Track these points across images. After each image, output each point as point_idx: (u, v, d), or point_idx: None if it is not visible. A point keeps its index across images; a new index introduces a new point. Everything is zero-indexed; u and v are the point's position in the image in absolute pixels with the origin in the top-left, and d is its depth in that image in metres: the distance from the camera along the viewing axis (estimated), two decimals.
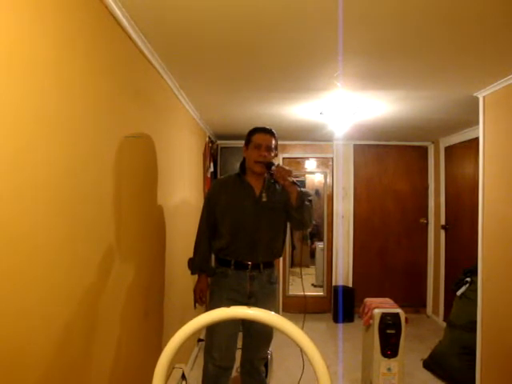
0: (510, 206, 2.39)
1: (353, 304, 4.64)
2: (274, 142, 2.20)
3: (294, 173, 5.31)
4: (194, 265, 2.33)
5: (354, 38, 1.83)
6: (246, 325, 2.26)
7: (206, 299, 2.32)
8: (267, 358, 2.73)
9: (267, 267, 2.22)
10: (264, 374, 2.44)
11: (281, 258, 2.42)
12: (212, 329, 2.18)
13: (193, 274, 2.35)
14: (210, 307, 2.25)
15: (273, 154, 2.20)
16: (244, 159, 2.28)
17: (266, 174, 2.22)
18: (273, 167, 2.12)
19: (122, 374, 1.74)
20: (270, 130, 2.22)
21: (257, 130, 2.22)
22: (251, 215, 2.18)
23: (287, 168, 2.15)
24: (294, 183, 2.10)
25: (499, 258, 2.50)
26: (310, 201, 2.18)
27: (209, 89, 2.76)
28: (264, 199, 2.18)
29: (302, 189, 2.16)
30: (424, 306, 4.98)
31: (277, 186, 2.23)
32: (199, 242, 2.33)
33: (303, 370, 2.27)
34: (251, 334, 2.26)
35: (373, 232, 5.00)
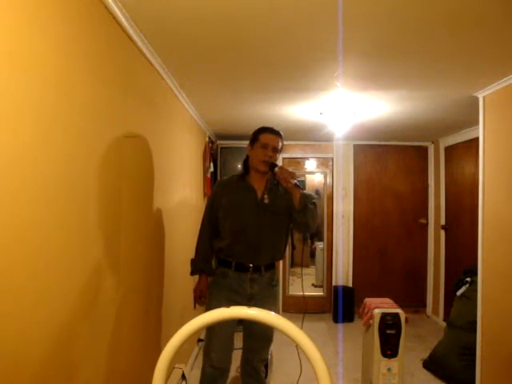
0: (510, 205, 2.39)
1: (353, 304, 4.64)
2: (280, 143, 2.20)
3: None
4: (194, 265, 2.33)
5: (354, 39, 1.83)
6: (247, 326, 2.25)
7: (205, 299, 2.31)
8: (267, 358, 2.72)
9: (268, 269, 2.20)
10: (264, 375, 2.44)
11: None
12: (210, 330, 2.18)
13: (192, 274, 2.34)
14: (209, 307, 2.24)
15: (277, 156, 2.20)
16: (247, 157, 2.26)
17: (269, 175, 2.20)
18: (276, 168, 2.11)
19: (122, 374, 1.74)
20: (278, 132, 2.21)
21: (265, 130, 2.20)
22: (253, 217, 2.16)
23: (290, 170, 2.14)
24: (296, 186, 2.08)
25: (499, 257, 2.50)
26: (315, 204, 2.16)
27: (209, 89, 2.75)
28: (266, 201, 2.16)
29: (306, 191, 2.14)
30: (424, 306, 4.98)
31: (280, 188, 2.19)
32: (200, 243, 2.33)
33: (301, 371, 2.26)
34: (252, 336, 2.25)
35: (373, 232, 5.00)
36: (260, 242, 2.15)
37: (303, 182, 5.43)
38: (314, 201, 2.16)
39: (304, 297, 2.73)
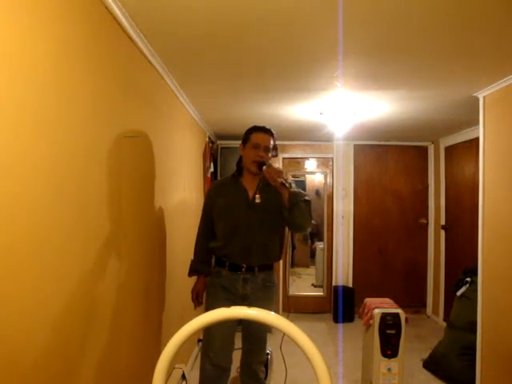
0: (511, 205, 2.39)
1: (353, 304, 4.64)
2: (272, 142, 2.16)
3: (294, 173, 5.27)
4: (191, 266, 2.34)
5: (355, 39, 1.82)
6: (245, 327, 2.25)
7: (201, 300, 2.32)
8: (266, 359, 2.72)
9: (262, 270, 2.17)
10: (264, 375, 2.43)
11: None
12: (208, 330, 2.17)
13: (189, 275, 2.35)
14: (206, 307, 2.26)
15: (270, 155, 2.16)
16: (241, 158, 2.24)
17: (262, 174, 2.15)
18: (263, 167, 2.08)
19: (122, 374, 1.74)
20: (269, 130, 2.18)
21: (256, 129, 2.18)
22: (244, 218, 2.14)
23: (278, 168, 2.10)
24: (283, 184, 2.03)
25: (499, 257, 2.50)
26: (308, 201, 2.10)
27: (209, 89, 2.75)
28: (258, 201, 2.12)
29: (295, 189, 2.10)
30: (424, 306, 4.97)
31: (272, 187, 2.12)
32: (197, 244, 2.35)
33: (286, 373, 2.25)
34: (248, 337, 2.25)
35: (373, 232, 4.99)
36: (252, 242, 2.13)
37: (303, 182, 5.43)
38: (306, 198, 2.10)
39: (288, 297, 2.81)
